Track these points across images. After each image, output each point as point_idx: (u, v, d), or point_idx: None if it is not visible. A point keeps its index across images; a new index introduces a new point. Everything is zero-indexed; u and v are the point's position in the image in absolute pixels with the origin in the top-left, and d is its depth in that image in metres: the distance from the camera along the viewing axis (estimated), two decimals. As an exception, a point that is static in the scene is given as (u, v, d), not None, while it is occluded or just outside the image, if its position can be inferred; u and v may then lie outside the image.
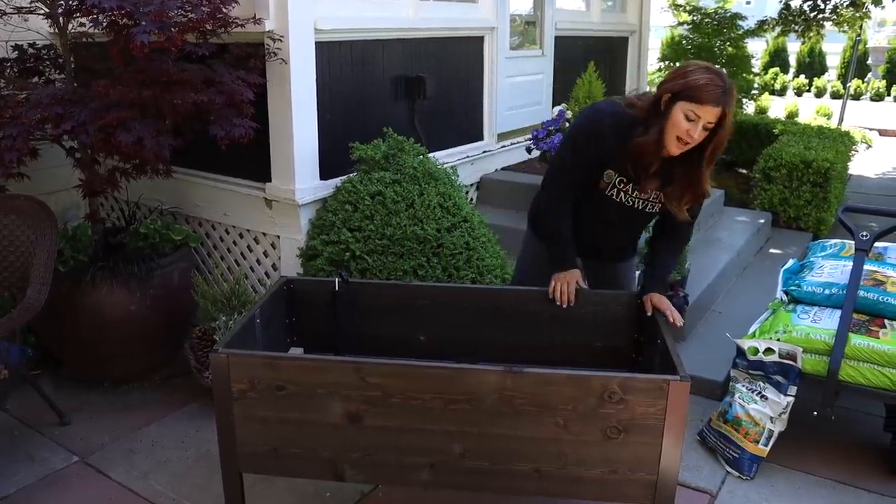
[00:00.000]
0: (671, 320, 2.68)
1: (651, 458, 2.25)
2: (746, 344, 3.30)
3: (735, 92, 2.43)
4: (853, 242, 3.49)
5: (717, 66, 2.47)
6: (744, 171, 8.41)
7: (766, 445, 3.20)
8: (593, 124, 2.65)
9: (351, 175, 3.93)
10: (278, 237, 4.09)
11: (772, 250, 5.97)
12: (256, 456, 2.44)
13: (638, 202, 2.74)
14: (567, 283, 2.82)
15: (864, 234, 3.40)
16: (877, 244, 3.65)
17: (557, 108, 4.77)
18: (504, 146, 5.50)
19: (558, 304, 2.82)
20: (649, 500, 2.31)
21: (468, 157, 5.09)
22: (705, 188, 2.60)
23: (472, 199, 5.26)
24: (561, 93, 5.94)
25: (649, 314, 2.72)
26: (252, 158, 4.03)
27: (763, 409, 3.21)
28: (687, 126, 2.40)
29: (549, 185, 2.86)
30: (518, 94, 5.77)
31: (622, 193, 2.72)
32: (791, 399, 3.18)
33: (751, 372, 3.30)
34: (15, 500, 3.06)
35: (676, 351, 2.37)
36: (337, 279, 2.87)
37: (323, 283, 2.97)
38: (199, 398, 3.73)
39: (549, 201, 2.87)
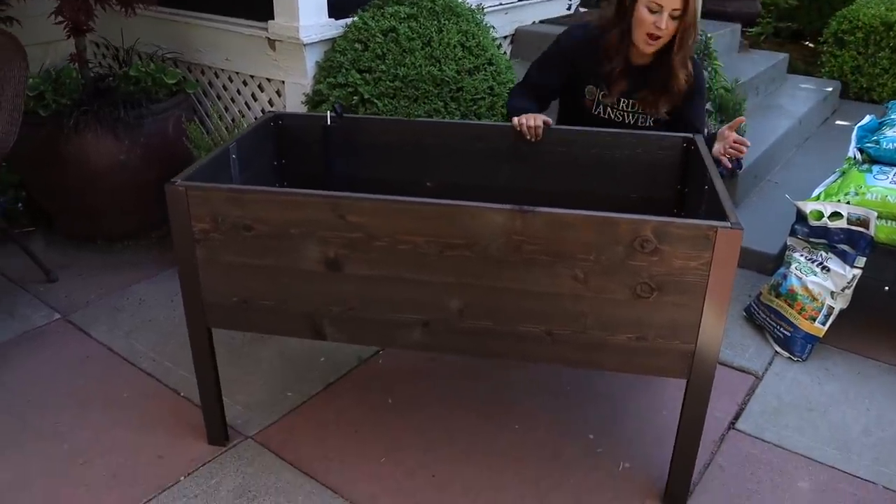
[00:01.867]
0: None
1: (689, 323, 1.85)
2: (809, 207, 2.83)
3: None
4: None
5: None
6: (810, 45, 7.67)
7: (823, 324, 2.78)
8: (565, 40, 2.69)
9: (363, 12, 3.44)
10: (283, 83, 3.66)
11: (839, 122, 5.37)
12: (224, 308, 2.10)
13: (628, 116, 2.63)
14: (534, 118, 2.44)
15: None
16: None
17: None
18: (544, -5, 4.91)
19: (528, 138, 2.45)
20: (684, 373, 1.92)
21: (501, 4, 4.52)
22: (678, 79, 2.49)
23: (505, 53, 4.73)
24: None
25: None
26: (254, -6, 3.58)
27: (824, 283, 2.77)
28: (652, 19, 2.34)
29: (512, 90, 2.82)
30: (563, -63, 5.12)
31: (608, 109, 2.63)
32: (858, 272, 2.73)
33: (811, 240, 2.85)
34: (-14, 355, 2.83)
35: (728, 197, 1.92)
36: (329, 112, 2.45)
37: (316, 119, 2.55)
38: (193, 256, 3.42)
39: (510, 98, 2.78)
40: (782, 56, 5.49)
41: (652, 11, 2.35)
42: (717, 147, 2.44)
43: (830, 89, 5.47)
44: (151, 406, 2.56)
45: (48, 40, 4.06)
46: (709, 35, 3.98)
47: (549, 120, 2.47)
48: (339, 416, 2.49)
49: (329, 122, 2.45)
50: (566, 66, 2.64)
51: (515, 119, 2.46)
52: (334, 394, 2.61)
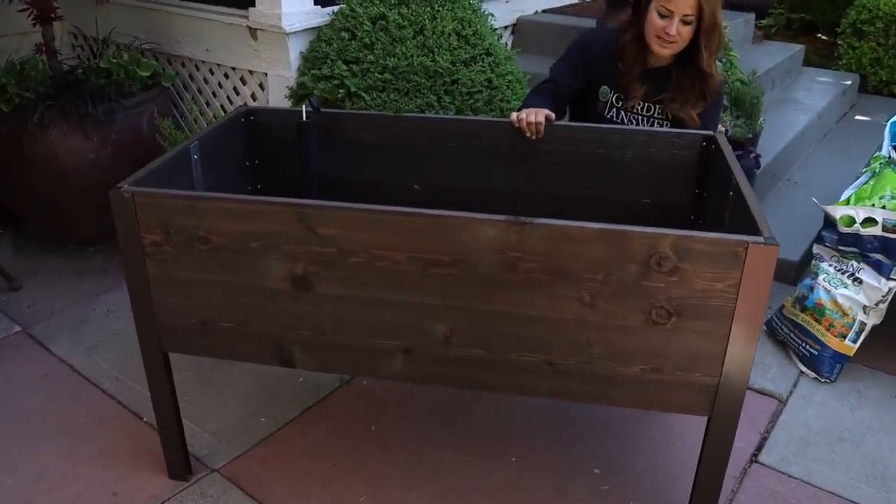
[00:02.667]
0: None
1: (712, 353, 1.59)
2: (839, 212, 2.57)
3: None
4: None
5: None
6: (823, 37, 7.39)
7: (854, 342, 2.52)
8: (585, 38, 2.56)
9: (351, -1, 3.18)
10: (266, 75, 3.40)
11: (858, 117, 5.10)
12: (181, 331, 1.84)
13: (643, 121, 2.44)
14: (535, 114, 2.19)
15: None
16: None
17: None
18: (547, -17, 4.63)
19: (527, 135, 2.20)
20: (705, 410, 1.66)
21: (502, -8, 4.26)
22: (712, 82, 2.33)
23: (506, 44, 4.46)
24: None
25: None
26: (234, -21, 3.33)
27: (855, 296, 2.51)
28: (662, 23, 2.24)
29: (529, 91, 2.62)
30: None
31: (622, 112, 2.45)
32: (894, 285, 2.46)
33: (841, 248, 2.58)
34: (-68, 374, 2.58)
35: (758, 206, 1.66)
36: (304, 107, 2.19)
37: (292, 115, 2.29)
38: (167, 263, 3.16)
39: (526, 97, 2.56)
40: (798, 48, 5.22)
41: (662, 16, 2.24)
42: None
43: (849, 82, 5.19)
44: (109, 433, 2.31)
45: (24, 31, 3.79)
46: (724, 25, 3.70)
47: (552, 115, 2.21)
48: (317, 447, 2.23)
49: (305, 118, 2.18)
50: (584, 66, 2.48)
51: (514, 114, 2.21)
52: (312, 420, 2.35)
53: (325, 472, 2.14)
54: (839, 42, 5.73)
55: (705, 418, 1.72)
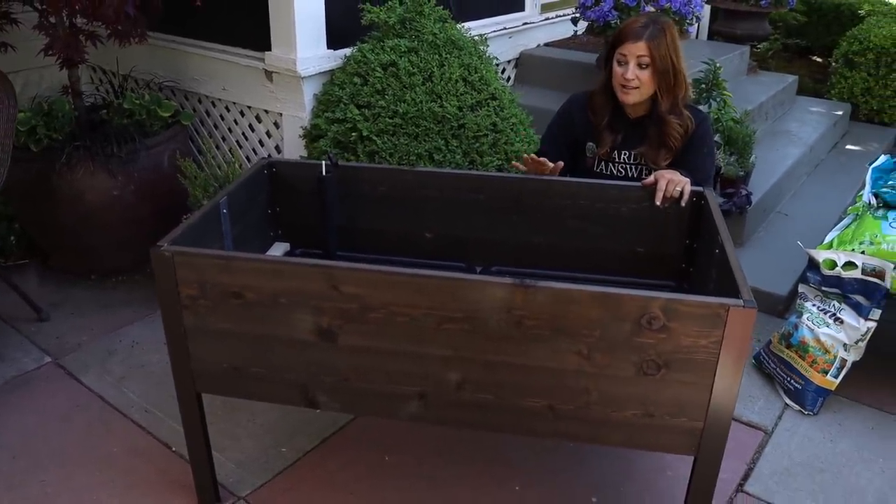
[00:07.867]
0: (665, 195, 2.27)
1: (697, 401, 1.76)
2: (822, 255, 2.74)
3: (666, 27, 2.40)
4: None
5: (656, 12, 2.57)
6: (818, 59, 7.59)
7: (836, 377, 2.69)
8: (567, 103, 2.70)
9: (362, 44, 3.36)
10: (280, 115, 3.58)
11: (849, 146, 5.28)
12: (214, 376, 2.02)
13: (630, 169, 2.59)
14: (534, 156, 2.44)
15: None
16: None
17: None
18: (548, 18, 4.82)
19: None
20: (691, 450, 1.83)
21: (506, 29, 4.45)
22: (670, 128, 2.46)
23: (509, 78, 4.65)
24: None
25: (658, 203, 2.28)
26: (251, 24, 3.50)
27: (836, 335, 2.68)
28: (621, 70, 2.42)
29: None
30: (568, -41, 5.03)
31: (610, 164, 2.61)
32: (872, 325, 2.64)
33: (824, 289, 2.75)
34: (-28, 403, 2.75)
35: (740, 266, 1.83)
36: (323, 161, 2.36)
37: (311, 167, 2.47)
38: (188, 295, 3.33)
39: None
40: (791, 79, 5.40)
41: (620, 64, 2.43)
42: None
43: (840, 113, 5.36)
44: (141, 464, 2.47)
45: (44, 65, 3.97)
46: (718, 64, 3.89)
47: (557, 165, 2.41)
48: (334, 476, 2.40)
49: (324, 173, 2.36)
50: (567, 129, 2.67)
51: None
52: (330, 450, 2.52)
53: (343, 500, 2.31)
54: (832, 70, 5.91)
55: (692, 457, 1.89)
